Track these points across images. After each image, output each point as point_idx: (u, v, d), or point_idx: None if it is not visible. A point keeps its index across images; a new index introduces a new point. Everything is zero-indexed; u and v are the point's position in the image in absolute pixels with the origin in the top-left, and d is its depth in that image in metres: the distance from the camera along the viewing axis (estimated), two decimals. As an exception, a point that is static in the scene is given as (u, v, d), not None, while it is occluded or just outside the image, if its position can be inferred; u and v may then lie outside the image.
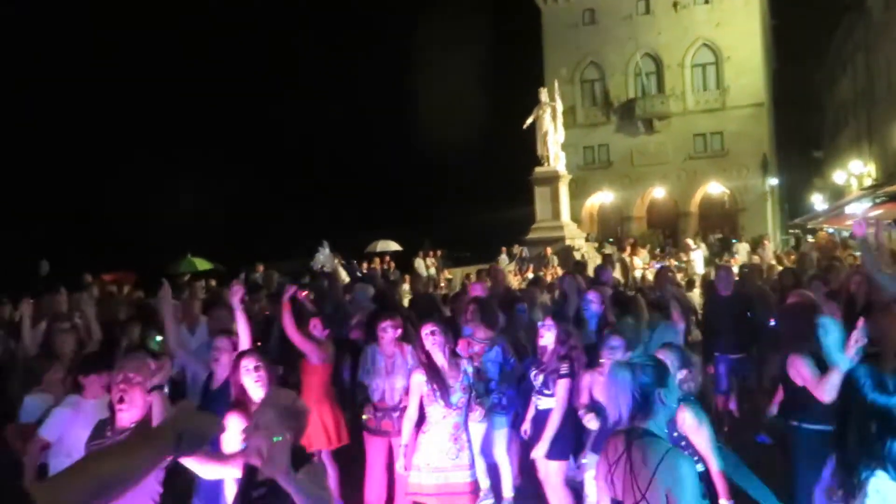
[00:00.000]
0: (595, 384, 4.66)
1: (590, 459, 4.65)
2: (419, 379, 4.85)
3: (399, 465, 4.96)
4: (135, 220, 39.29)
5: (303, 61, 57.70)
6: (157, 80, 53.27)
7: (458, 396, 4.81)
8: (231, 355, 4.86)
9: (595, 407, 4.68)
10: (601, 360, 4.63)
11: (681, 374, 3.79)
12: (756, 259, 16.69)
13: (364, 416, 5.46)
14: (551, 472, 5.12)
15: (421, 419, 4.92)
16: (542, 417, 5.14)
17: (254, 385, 4.06)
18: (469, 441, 4.90)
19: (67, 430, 4.12)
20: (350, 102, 50.72)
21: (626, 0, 38.11)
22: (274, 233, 36.91)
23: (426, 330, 4.89)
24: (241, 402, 4.05)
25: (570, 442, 5.08)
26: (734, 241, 22.65)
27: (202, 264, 19.39)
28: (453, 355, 4.95)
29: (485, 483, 5.49)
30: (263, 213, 41.98)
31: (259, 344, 7.32)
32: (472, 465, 4.90)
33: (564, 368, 5.04)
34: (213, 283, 13.23)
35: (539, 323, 5.51)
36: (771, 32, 42.28)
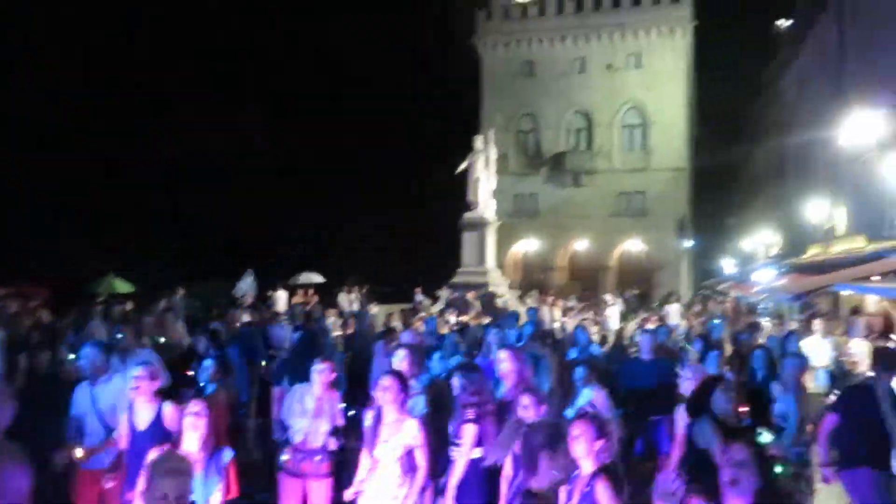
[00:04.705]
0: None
1: None
2: (369, 422, 5.04)
3: None
4: (50, 234, 37.46)
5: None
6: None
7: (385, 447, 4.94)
8: (150, 385, 4.93)
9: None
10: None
11: (597, 444, 3.77)
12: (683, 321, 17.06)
13: (283, 457, 5.43)
14: None
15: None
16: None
17: (190, 432, 4.21)
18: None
19: None
20: (283, 141, 49.84)
21: (563, 57, 39.67)
22: (200, 256, 35.88)
23: (383, 383, 4.99)
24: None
25: (480, 490, 5.03)
26: (671, 299, 22.03)
27: (122, 286, 18.75)
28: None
29: None
30: (190, 235, 40.79)
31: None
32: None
33: (470, 415, 5.09)
34: (130, 305, 12.82)
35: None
36: (696, 102, 44.57)
